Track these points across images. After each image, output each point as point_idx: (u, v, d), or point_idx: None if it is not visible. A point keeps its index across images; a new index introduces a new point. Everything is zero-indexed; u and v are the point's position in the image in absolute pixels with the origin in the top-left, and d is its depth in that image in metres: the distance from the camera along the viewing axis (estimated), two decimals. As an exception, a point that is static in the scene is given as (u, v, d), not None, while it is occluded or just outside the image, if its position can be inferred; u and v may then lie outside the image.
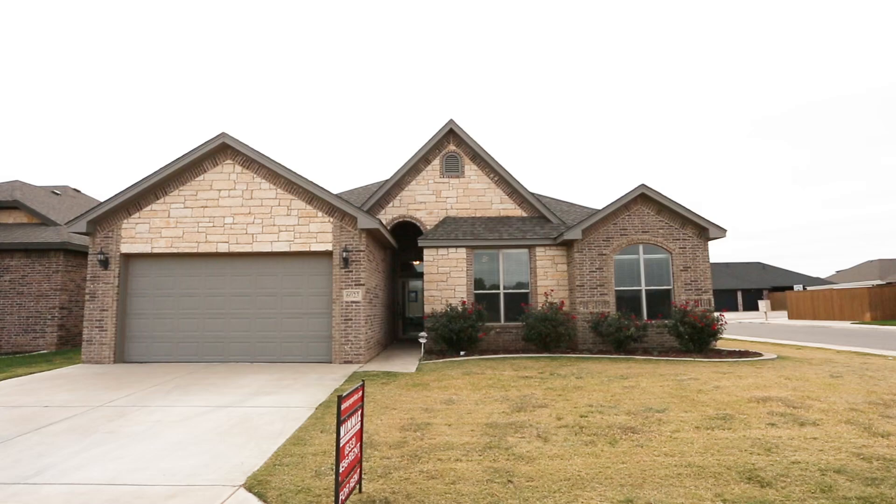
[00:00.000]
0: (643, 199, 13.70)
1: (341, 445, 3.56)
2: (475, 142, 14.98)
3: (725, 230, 13.47)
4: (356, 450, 3.94)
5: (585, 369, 9.84)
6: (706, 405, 6.71)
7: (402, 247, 17.01)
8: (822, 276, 67.66)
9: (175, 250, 11.57)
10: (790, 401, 6.86)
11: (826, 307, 34.45)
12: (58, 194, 19.95)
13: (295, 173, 11.46)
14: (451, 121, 14.98)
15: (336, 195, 11.40)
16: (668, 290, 13.56)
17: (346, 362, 11.03)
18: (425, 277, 13.99)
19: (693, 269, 13.53)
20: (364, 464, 4.71)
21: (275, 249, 11.47)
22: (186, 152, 11.57)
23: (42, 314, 14.81)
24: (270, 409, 7.00)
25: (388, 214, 15.00)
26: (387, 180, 15.04)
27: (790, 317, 37.37)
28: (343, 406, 3.62)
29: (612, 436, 5.46)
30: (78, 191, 22.60)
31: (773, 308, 49.09)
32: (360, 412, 4.07)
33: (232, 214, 11.62)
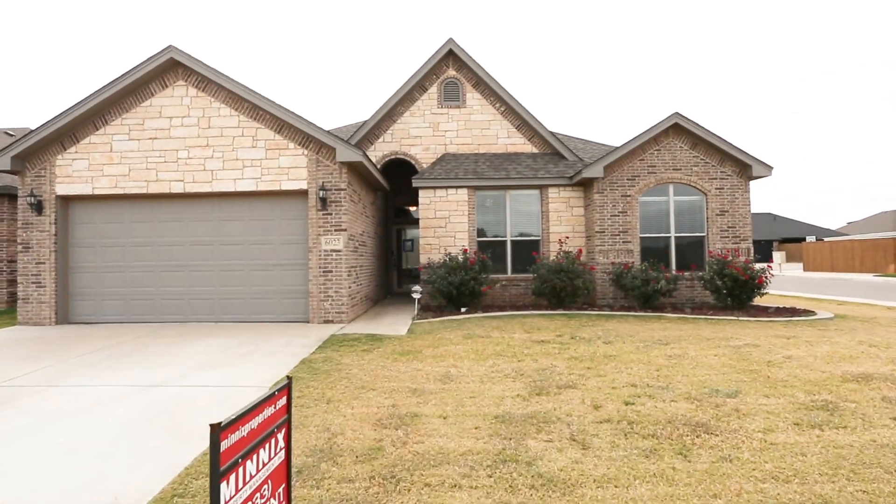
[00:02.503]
0: (676, 130, 11.64)
1: (226, 517, 1.83)
2: (479, 65, 12.77)
3: (771, 167, 11.49)
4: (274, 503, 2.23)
5: (612, 331, 8.16)
6: (790, 386, 5.02)
7: (396, 190, 15.08)
8: (833, 227, 65.78)
9: (121, 191, 9.69)
10: (900, 379, 5.16)
11: (845, 258, 32.70)
12: (11, 135, 17.85)
13: (260, 95, 9.41)
14: (451, 40, 12.72)
15: (310, 122, 9.40)
16: (702, 238, 11.73)
17: (326, 322, 9.37)
18: (421, 223, 12.15)
19: (731, 214, 11.64)
20: (313, 492, 3.05)
21: (239, 189, 9.58)
22: (128, 70, 9.49)
23: (-10, 267, 13.10)
24: (211, 389, 5.34)
25: (378, 151, 12.99)
26: (376, 112, 12.93)
27: (806, 268, 35.74)
28: (229, 441, 1.86)
29: (679, 439, 3.78)
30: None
31: (787, 260, 47.41)
32: (283, 433, 2.34)
33: (187, 147, 9.67)
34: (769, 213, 60.70)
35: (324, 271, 9.39)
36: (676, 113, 11.43)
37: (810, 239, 51.54)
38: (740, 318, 9.32)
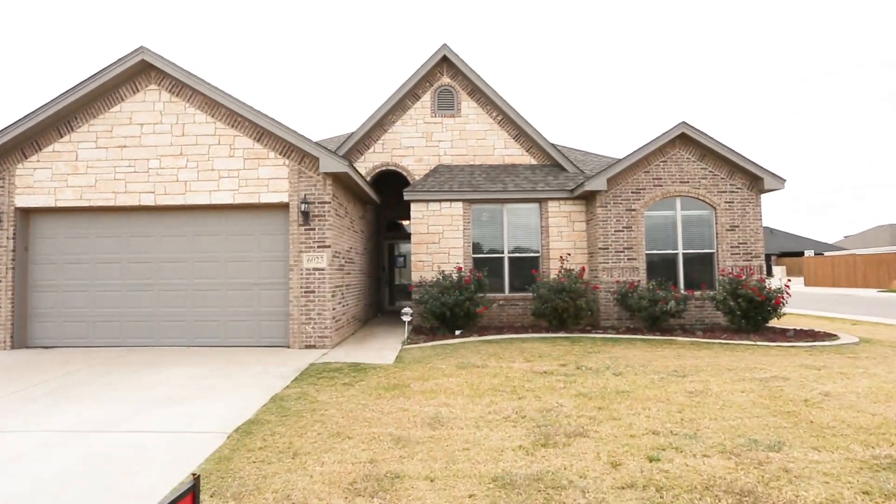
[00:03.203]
0: (683, 140, 11.02)
1: None
2: (474, 72, 12.16)
3: (784, 180, 10.86)
4: None
5: (621, 359, 7.42)
6: (840, 434, 4.27)
7: (387, 203, 14.38)
8: (830, 241, 65.61)
9: (86, 203, 8.94)
10: (966, 425, 4.43)
11: (847, 273, 32.14)
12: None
13: (238, 101, 8.72)
14: (445, 45, 12.11)
15: (292, 130, 8.70)
16: (711, 255, 11.05)
17: (307, 347, 8.59)
18: (413, 238, 11.43)
19: (742, 229, 10.98)
20: None
21: (214, 201, 8.84)
22: (96, 72, 8.79)
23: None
24: (161, 435, 4.55)
25: (368, 162, 12.30)
26: (366, 121, 12.26)
27: (807, 283, 35.15)
28: None
29: (725, 515, 3.02)
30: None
31: (786, 274, 46.88)
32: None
33: (158, 156, 8.94)
34: (766, 227, 60.47)
35: (306, 291, 8.63)
36: (683, 122, 10.81)
37: (809, 253, 51.20)
38: (758, 343, 8.60)
